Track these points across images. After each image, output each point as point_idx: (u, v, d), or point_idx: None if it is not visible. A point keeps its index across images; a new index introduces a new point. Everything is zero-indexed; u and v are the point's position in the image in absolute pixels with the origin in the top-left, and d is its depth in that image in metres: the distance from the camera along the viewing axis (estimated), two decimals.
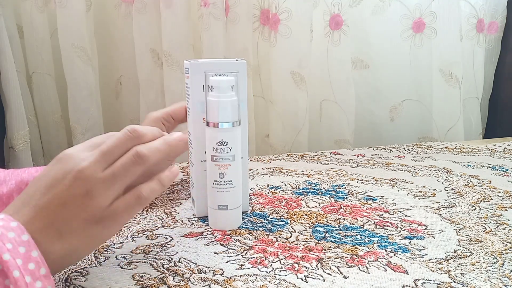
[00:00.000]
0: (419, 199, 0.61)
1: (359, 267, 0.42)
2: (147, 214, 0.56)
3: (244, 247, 0.46)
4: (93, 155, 0.36)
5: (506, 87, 1.14)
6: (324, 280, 0.39)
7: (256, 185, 0.67)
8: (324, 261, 0.43)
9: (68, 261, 0.36)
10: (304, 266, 0.42)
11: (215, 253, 0.45)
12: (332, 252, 0.45)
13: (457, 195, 0.62)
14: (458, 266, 0.42)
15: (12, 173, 0.50)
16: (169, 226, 0.52)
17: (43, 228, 0.34)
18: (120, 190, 0.37)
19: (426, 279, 0.40)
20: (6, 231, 0.32)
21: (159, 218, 0.54)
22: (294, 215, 0.55)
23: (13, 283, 0.30)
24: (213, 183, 0.49)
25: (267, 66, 0.98)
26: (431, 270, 0.41)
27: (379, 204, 0.59)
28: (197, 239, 0.48)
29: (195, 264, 0.43)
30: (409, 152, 0.89)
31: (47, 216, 0.34)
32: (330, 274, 0.40)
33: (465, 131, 1.08)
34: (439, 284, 0.39)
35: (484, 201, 0.59)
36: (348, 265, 0.42)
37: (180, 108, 0.59)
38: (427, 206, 0.58)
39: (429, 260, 0.43)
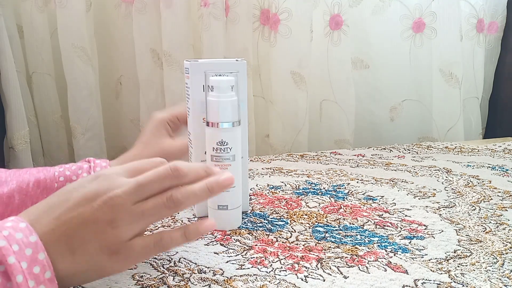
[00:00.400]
0: (419, 199, 0.61)
1: (359, 267, 0.42)
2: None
3: (244, 247, 0.46)
4: (128, 184, 0.35)
5: (506, 87, 1.14)
6: (324, 280, 0.39)
7: (256, 185, 0.67)
8: (324, 261, 0.43)
9: (72, 281, 0.35)
10: (304, 266, 0.42)
11: (215, 253, 0.45)
12: (332, 252, 0.45)
13: (457, 195, 0.62)
14: (458, 266, 0.42)
15: (13, 174, 0.50)
16: (169, 226, 0.52)
17: (57, 241, 0.33)
18: (144, 228, 0.36)
19: (426, 279, 0.40)
20: (14, 232, 0.31)
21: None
22: (294, 215, 0.55)
23: (15, 286, 0.30)
24: None
25: (267, 66, 0.98)
26: (431, 270, 0.41)
27: (379, 204, 0.59)
28: (197, 239, 0.48)
29: (195, 264, 0.43)
30: (409, 152, 0.89)
31: (65, 231, 0.33)
32: (330, 274, 0.40)
33: (465, 131, 1.08)
34: (439, 284, 0.39)
35: (484, 201, 0.59)
36: (348, 265, 0.42)
37: (186, 109, 0.59)
38: (427, 206, 0.58)
39: (429, 260, 0.43)
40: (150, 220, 0.36)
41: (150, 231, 0.50)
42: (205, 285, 0.39)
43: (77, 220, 0.34)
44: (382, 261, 0.43)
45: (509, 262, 0.42)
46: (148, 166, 0.38)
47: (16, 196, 0.48)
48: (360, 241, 0.47)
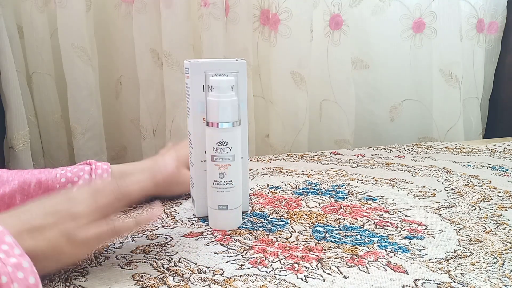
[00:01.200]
0: (419, 199, 0.61)
1: (359, 267, 0.42)
2: (147, 214, 0.56)
3: (244, 247, 0.46)
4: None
5: (506, 87, 1.14)
6: (324, 280, 0.39)
7: (256, 185, 0.67)
8: (324, 261, 0.43)
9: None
10: (304, 266, 0.42)
11: (215, 253, 0.45)
12: (332, 252, 0.45)
13: (457, 195, 0.62)
14: (458, 266, 0.42)
15: (15, 174, 0.50)
16: (169, 226, 0.52)
17: (19, 227, 0.36)
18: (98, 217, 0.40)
19: (426, 279, 0.40)
20: None
21: (159, 218, 0.54)
22: (294, 215, 0.55)
23: None
24: (213, 183, 0.49)
25: (267, 66, 0.98)
26: (431, 270, 0.41)
27: (379, 204, 0.59)
28: (197, 239, 0.48)
29: (195, 264, 0.43)
30: (409, 152, 0.89)
31: (28, 220, 0.37)
32: (330, 274, 0.40)
33: (465, 131, 1.08)
34: (439, 284, 0.39)
35: (484, 201, 0.59)
36: (348, 265, 0.42)
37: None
38: (427, 206, 0.58)
39: (429, 260, 0.43)
40: (105, 211, 0.41)
41: (150, 231, 0.50)
42: (205, 285, 0.39)
43: (39, 211, 0.38)
44: (382, 261, 0.43)
45: (509, 262, 0.42)
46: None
47: (18, 196, 0.48)
48: (360, 241, 0.47)
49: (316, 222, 0.53)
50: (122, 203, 0.42)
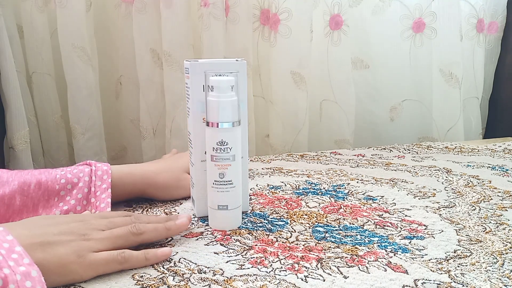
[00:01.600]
0: (419, 199, 0.61)
1: (359, 267, 0.42)
2: (147, 214, 0.56)
3: (244, 247, 0.46)
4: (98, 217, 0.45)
5: (506, 87, 1.14)
6: (324, 280, 0.39)
7: (256, 185, 0.67)
8: (324, 261, 0.43)
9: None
10: (304, 266, 0.42)
11: (215, 253, 0.45)
12: (332, 252, 0.45)
13: (457, 195, 0.62)
14: (458, 266, 0.42)
15: (15, 174, 0.50)
16: None
17: (32, 242, 0.37)
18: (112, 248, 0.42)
19: (426, 279, 0.40)
20: None
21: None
22: (294, 215, 0.55)
23: None
24: (213, 183, 0.49)
25: (267, 66, 0.98)
26: (431, 270, 0.41)
27: (379, 204, 0.59)
28: (197, 239, 0.48)
29: (195, 264, 0.43)
30: (409, 152, 0.89)
31: (41, 235, 0.38)
32: (330, 274, 0.40)
33: (465, 131, 1.08)
34: (439, 284, 0.39)
35: (484, 201, 0.59)
36: (348, 265, 0.42)
37: None
38: (427, 206, 0.58)
39: (429, 260, 0.43)
40: (118, 243, 0.42)
41: None
42: (205, 285, 0.39)
43: (55, 229, 0.39)
44: (382, 261, 0.43)
45: (509, 262, 0.42)
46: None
47: (18, 197, 0.48)
48: (360, 241, 0.47)
49: (316, 222, 0.53)
50: (136, 239, 0.44)
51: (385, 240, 0.48)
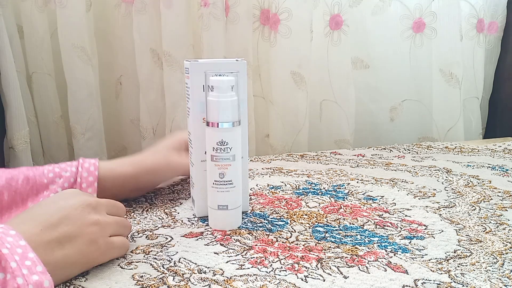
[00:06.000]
0: (419, 199, 0.61)
1: (359, 267, 0.42)
2: (147, 214, 0.56)
3: (244, 247, 0.46)
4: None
5: (506, 87, 1.14)
6: (324, 280, 0.39)
7: (256, 185, 0.67)
8: (324, 261, 0.43)
9: (65, 273, 0.39)
10: (304, 266, 0.42)
11: (215, 253, 0.45)
12: (332, 252, 0.45)
13: (457, 195, 0.62)
14: (458, 266, 0.42)
15: (2, 171, 0.49)
16: (169, 226, 0.52)
17: (47, 242, 0.37)
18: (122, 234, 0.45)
19: (426, 279, 0.40)
20: (5, 236, 0.34)
21: (159, 218, 0.54)
22: (294, 215, 0.55)
23: (10, 272, 0.31)
24: (213, 183, 0.49)
25: (267, 66, 0.98)
26: (431, 270, 0.41)
27: (379, 204, 0.59)
28: (197, 239, 0.48)
29: (195, 264, 0.43)
30: (409, 152, 0.89)
31: (52, 233, 0.38)
32: (330, 274, 0.40)
33: (465, 131, 1.08)
34: (439, 284, 0.39)
35: (484, 201, 0.59)
36: (348, 265, 0.42)
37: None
38: (427, 206, 0.58)
39: (429, 260, 0.43)
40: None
41: (150, 231, 0.50)
42: (205, 285, 0.39)
43: (65, 221, 0.39)
44: (382, 261, 0.43)
45: (509, 262, 0.42)
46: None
47: (5, 193, 0.48)
48: (360, 241, 0.47)
49: (316, 222, 0.53)
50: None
51: (385, 240, 0.48)
